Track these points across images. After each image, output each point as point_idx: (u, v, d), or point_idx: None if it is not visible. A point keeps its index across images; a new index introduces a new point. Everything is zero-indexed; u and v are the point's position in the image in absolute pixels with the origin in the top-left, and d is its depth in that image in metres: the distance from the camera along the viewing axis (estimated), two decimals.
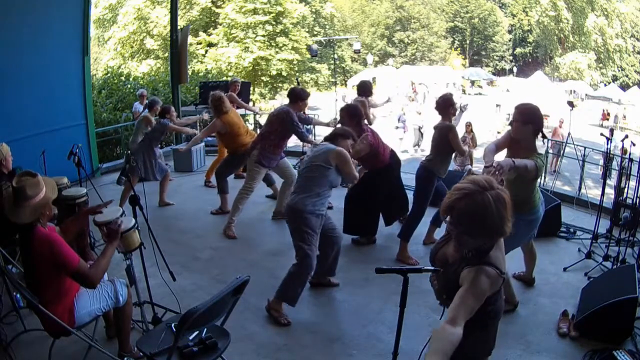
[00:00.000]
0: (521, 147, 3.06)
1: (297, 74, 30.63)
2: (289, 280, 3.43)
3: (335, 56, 27.84)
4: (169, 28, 9.74)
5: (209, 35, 33.10)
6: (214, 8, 33.59)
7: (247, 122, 8.26)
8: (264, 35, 31.46)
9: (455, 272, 1.86)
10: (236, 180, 6.47)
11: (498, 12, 44.22)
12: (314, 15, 36.02)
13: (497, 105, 25.55)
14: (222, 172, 5.72)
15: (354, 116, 4.42)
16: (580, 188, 6.51)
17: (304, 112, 5.65)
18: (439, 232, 4.87)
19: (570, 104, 7.72)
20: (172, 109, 5.93)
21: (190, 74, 12.40)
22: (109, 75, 13.13)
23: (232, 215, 5.08)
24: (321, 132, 7.54)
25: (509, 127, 3.22)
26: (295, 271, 3.42)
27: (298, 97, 5.02)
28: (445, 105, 4.38)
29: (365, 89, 6.21)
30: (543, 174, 7.20)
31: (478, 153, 10.72)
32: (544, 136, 3.20)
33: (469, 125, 9.93)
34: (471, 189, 1.75)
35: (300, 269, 3.40)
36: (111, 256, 2.61)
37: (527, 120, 3.03)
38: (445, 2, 44.26)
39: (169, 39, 9.33)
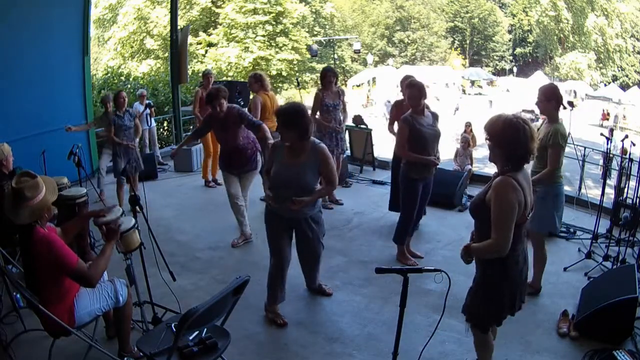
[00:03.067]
0: (547, 120, 3.60)
1: (297, 74, 30.65)
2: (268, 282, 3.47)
3: (335, 56, 27.84)
4: (169, 28, 9.74)
5: (209, 35, 33.13)
6: (214, 8, 33.63)
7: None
8: (264, 35, 31.50)
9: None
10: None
11: (498, 12, 44.21)
12: (314, 15, 36.04)
13: (490, 101, 27.23)
14: None
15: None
16: (580, 188, 6.50)
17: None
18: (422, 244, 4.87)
19: (570, 104, 7.69)
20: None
21: (190, 74, 12.37)
22: (109, 75, 13.12)
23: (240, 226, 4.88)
24: None
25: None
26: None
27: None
28: (419, 95, 4.03)
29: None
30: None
31: (478, 153, 10.71)
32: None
33: (468, 126, 9.92)
34: (510, 117, 2.26)
35: (270, 268, 3.43)
36: (110, 255, 2.61)
37: (550, 97, 3.56)
38: (445, 2, 44.26)
39: (169, 39, 9.33)
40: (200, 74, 8.29)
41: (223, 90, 4.59)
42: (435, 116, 4.22)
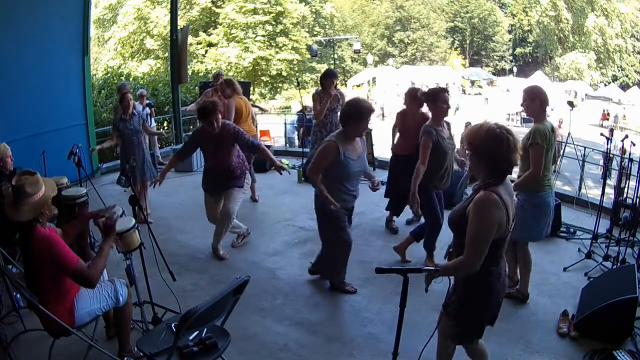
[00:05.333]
0: (533, 122, 3.49)
1: (297, 74, 30.67)
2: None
3: (335, 56, 27.85)
4: (169, 28, 9.74)
5: (209, 35, 33.15)
6: (214, 8, 33.65)
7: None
8: (264, 35, 31.53)
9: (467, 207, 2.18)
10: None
11: (498, 12, 44.21)
12: (314, 15, 36.04)
13: (486, 99, 28.41)
14: None
15: (414, 99, 4.69)
16: (580, 188, 6.50)
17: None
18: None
19: (570, 104, 7.70)
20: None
21: (190, 74, 12.37)
22: (109, 75, 13.13)
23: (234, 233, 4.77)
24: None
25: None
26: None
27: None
28: (432, 99, 4.00)
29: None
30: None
31: None
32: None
33: (468, 126, 9.95)
34: (492, 127, 2.11)
35: (343, 253, 3.72)
36: (108, 253, 2.60)
37: (534, 96, 3.46)
38: (445, 2, 44.25)
39: (169, 39, 9.33)
40: (201, 75, 8.30)
41: (219, 103, 4.33)
42: (448, 125, 4.18)
